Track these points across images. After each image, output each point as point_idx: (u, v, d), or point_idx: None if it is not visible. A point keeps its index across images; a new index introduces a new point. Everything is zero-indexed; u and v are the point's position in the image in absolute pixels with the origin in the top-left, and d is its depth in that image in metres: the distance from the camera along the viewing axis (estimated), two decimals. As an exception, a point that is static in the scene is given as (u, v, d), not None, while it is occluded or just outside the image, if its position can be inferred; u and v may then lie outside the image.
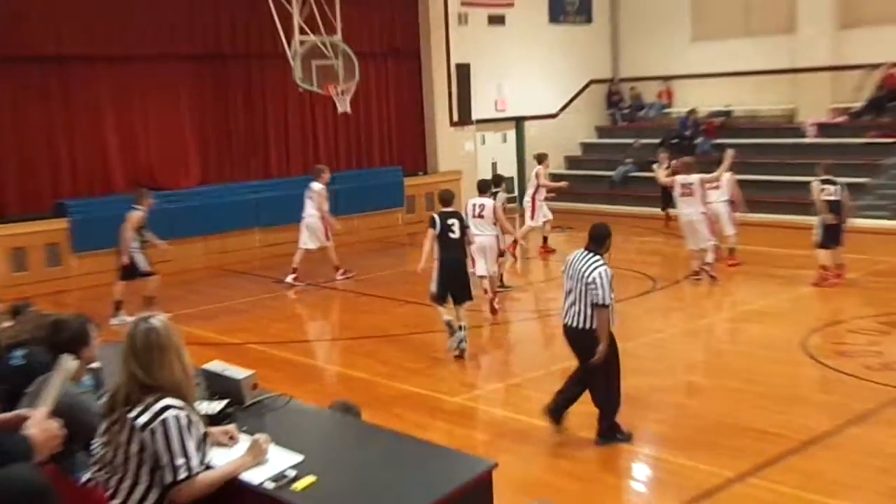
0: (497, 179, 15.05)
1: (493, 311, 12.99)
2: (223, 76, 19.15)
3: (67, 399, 4.36)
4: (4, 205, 16.54)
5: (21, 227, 16.21)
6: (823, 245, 13.73)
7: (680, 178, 14.63)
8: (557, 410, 8.20)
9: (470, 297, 11.09)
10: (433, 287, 10.91)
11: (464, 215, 11.88)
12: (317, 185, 15.60)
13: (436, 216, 10.93)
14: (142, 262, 13.30)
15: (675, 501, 6.85)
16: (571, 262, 8.00)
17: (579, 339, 7.96)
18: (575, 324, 7.92)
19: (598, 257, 7.88)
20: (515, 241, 15.47)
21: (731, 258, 15.32)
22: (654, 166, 17.72)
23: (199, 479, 4.21)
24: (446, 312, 10.95)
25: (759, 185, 20.77)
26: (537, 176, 17.18)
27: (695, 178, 14.57)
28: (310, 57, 17.19)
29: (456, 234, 10.85)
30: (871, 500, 6.87)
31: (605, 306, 7.71)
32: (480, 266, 12.72)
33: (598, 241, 7.97)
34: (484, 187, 13.66)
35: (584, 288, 7.78)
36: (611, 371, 8.03)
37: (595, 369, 7.92)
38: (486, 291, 12.91)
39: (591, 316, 7.79)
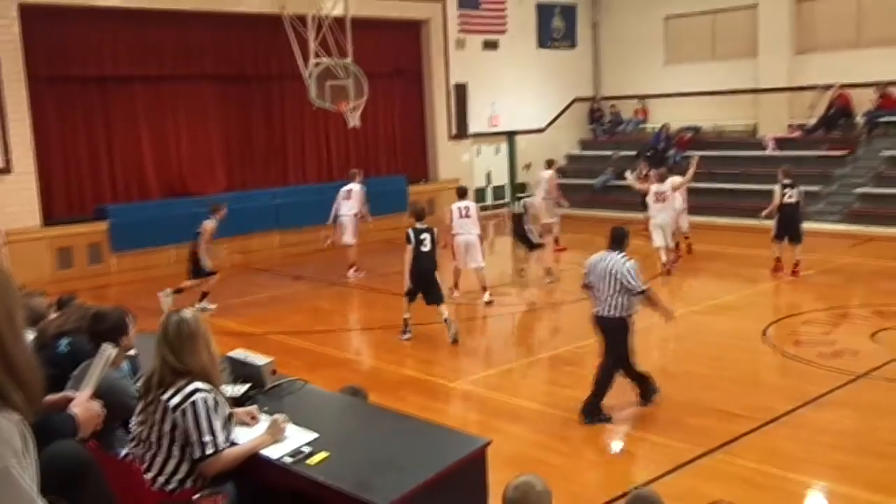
0: (463, 190, 14.42)
1: (488, 302, 13.13)
2: (246, 94, 19.14)
3: (107, 383, 4.35)
4: (52, 208, 16.54)
5: (66, 229, 16.21)
6: (778, 237, 14.10)
7: (654, 187, 14.79)
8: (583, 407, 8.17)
9: (441, 300, 11.23)
10: (406, 286, 11.17)
11: (453, 214, 13.01)
12: (357, 186, 15.53)
13: (410, 232, 11.13)
14: (207, 263, 13.35)
15: (651, 475, 6.84)
16: (596, 262, 8.17)
17: (608, 325, 8.13)
18: (605, 313, 8.09)
19: (623, 255, 8.13)
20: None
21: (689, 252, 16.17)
22: (627, 173, 17.67)
23: (224, 454, 4.21)
24: (407, 311, 11.20)
25: (723, 192, 20.83)
26: (550, 180, 17.25)
27: (667, 185, 14.87)
28: (324, 77, 17.20)
29: (427, 248, 11.08)
30: (822, 473, 6.88)
31: (643, 292, 8.05)
32: (471, 261, 13.16)
33: (619, 241, 8.23)
34: (462, 193, 14.00)
35: (614, 282, 7.97)
36: (621, 359, 8.16)
37: (613, 350, 8.13)
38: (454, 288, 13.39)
39: (621, 305, 8.01)
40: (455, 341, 10.94)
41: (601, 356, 8.25)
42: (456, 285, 13.64)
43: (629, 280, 7.95)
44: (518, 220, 14.51)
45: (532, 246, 14.52)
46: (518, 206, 14.67)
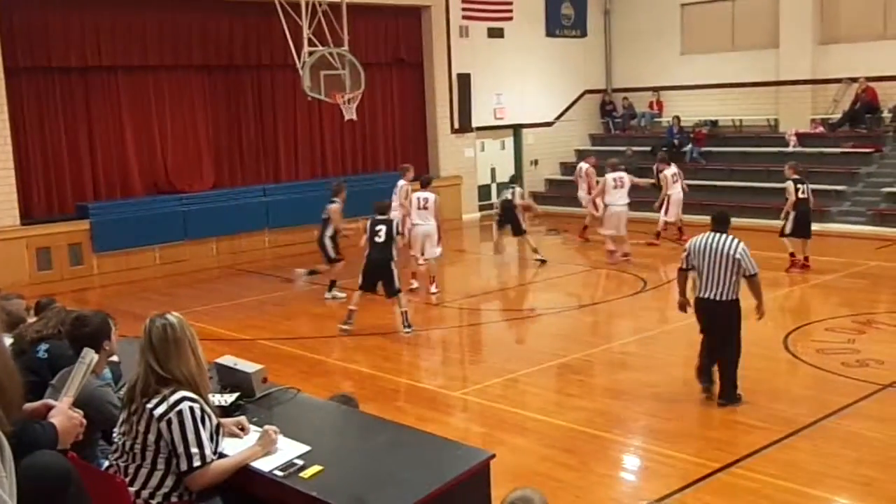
0: (427, 180, 15.32)
1: (434, 291, 14.15)
2: (236, 85, 19.17)
3: (88, 390, 4.37)
4: (30, 206, 16.57)
5: (46, 229, 16.24)
6: (794, 234, 14.72)
7: (612, 174, 16.52)
8: (709, 378, 8.73)
9: (396, 292, 11.77)
10: (360, 278, 11.88)
11: (412, 205, 14.26)
12: (402, 182, 15.60)
13: (367, 223, 11.96)
14: (331, 250, 13.94)
15: (664, 490, 6.86)
16: (703, 245, 8.44)
17: (718, 309, 8.43)
18: (716, 297, 8.38)
19: (732, 237, 8.45)
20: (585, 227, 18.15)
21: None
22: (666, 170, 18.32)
23: (212, 467, 4.23)
24: (354, 304, 11.96)
25: (743, 191, 20.83)
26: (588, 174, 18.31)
27: (624, 174, 16.73)
28: (318, 67, 17.20)
29: (381, 238, 11.69)
30: (845, 488, 6.89)
31: (755, 274, 8.37)
32: (428, 250, 14.24)
33: (725, 223, 8.59)
34: (426, 183, 14.89)
35: (731, 264, 8.29)
36: (739, 338, 8.57)
37: (731, 337, 8.48)
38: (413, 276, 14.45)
39: (731, 289, 8.34)
40: (408, 330, 11.72)
41: (715, 341, 8.58)
42: (414, 276, 14.52)
43: (747, 261, 8.29)
44: (508, 207, 15.74)
45: (520, 232, 16.00)
46: (508, 193, 15.82)
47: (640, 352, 10.78)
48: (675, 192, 17.86)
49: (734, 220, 16.86)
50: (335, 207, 13.92)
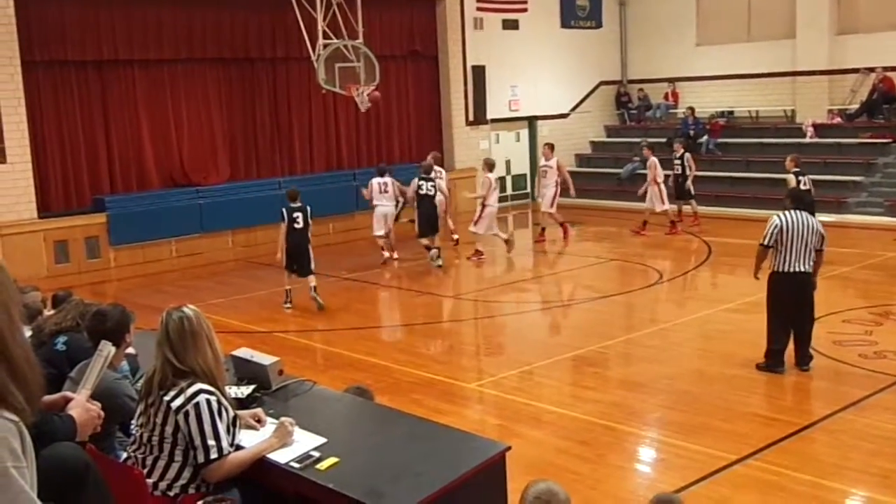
0: (382, 170, 16.85)
1: (389, 259, 16.22)
2: (251, 78, 19.19)
3: (106, 383, 4.40)
4: (48, 200, 16.65)
5: (63, 222, 16.31)
6: None
7: (541, 163, 17.70)
8: (804, 359, 9.24)
9: (310, 272, 13.03)
10: (283, 261, 13.06)
11: (373, 189, 16.12)
12: (442, 171, 16.80)
13: (284, 211, 13.07)
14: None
15: (681, 482, 6.85)
16: (794, 221, 9.00)
17: (807, 280, 9.12)
18: (806, 268, 9.04)
19: (810, 214, 9.26)
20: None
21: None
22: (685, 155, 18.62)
23: (229, 459, 4.25)
24: (289, 283, 13.22)
25: (760, 182, 20.74)
26: (559, 167, 17.53)
27: (553, 161, 17.72)
28: (333, 60, 17.20)
29: (300, 224, 12.98)
30: (862, 481, 6.87)
31: (824, 249, 9.22)
32: (379, 228, 16.11)
33: (801, 200, 9.49)
34: (382, 171, 16.61)
35: (817, 239, 9.06)
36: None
37: (812, 303, 9.21)
38: (383, 248, 16.35)
39: (812, 261, 9.10)
40: (321, 308, 12.83)
41: (796, 314, 9.12)
42: (389, 249, 16.32)
43: (824, 234, 9.12)
44: (427, 202, 15.84)
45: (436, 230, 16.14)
46: (427, 187, 15.87)
47: (655, 344, 10.75)
48: (547, 182, 18.14)
49: (749, 212, 16.99)
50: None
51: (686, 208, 18.63)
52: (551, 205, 17.66)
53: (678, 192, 18.49)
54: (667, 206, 18.03)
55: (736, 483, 6.86)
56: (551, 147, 18.16)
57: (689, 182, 18.37)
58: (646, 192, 18.28)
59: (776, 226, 9.03)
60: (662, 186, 18.09)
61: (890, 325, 11.09)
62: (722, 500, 6.48)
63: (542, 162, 18.35)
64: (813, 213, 13.54)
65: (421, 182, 15.61)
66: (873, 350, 9.96)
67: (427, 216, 15.54)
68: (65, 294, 7.16)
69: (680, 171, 18.42)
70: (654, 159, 18.29)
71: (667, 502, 4.26)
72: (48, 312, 6.42)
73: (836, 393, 8.75)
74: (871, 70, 20.71)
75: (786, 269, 9.01)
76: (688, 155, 18.59)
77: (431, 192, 15.52)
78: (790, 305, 9.09)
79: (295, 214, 13.10)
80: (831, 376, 9.44)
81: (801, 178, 14.78)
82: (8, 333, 2.14)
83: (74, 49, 16.56)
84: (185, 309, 4.42)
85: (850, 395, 8.56)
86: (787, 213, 9.12)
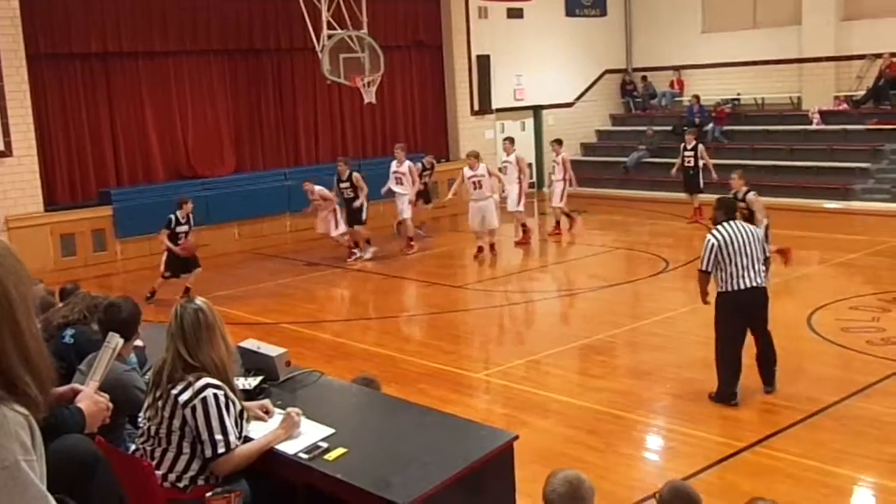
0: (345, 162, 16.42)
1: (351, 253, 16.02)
2: (256, 70, 19.18)
3: (114, 375, 4.40)
4: (54, 193, 16.67)
5: (69, 215, 16.33)
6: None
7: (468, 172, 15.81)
8: (771, 380, 8.40)
9: (194, 271, 13.41)
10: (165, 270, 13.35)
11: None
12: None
13: (171, 217, 13.24)
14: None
15: (689, 470, 6.85)
16: (733, 234, 8.09)
17: (765, 295, 8.22)
18: (759, 283, 8.11)
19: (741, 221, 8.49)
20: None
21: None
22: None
23: (236, 452, 4.25)
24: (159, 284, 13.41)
25: (766, 169, 20.69)
26: (564, 162, 17.36)
27: (560, 157, 17.43)
28: (337, 50, 17.19)
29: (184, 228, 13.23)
30: (870, 467, 6.86)
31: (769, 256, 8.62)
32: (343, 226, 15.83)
33: (734, 210, 8.54)
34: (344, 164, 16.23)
35: (762, 248, 8.24)
36: None
37: (767, 319, 8.31)
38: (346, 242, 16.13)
39: (763, 272, 8.24)
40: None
41: (756, 333, 8.28)
42: (363, 243, 16.10)
43: (766, 245, 8.44)
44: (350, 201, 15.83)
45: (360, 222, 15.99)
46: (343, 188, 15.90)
47: (662, 332, 10.75)
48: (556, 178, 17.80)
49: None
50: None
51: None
52: (560, 199, 17.54)
53: (688, 186, 18.31)
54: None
55: (744, 470, 6.87)
56: (560, 143, 18.02)
57: (701, 175, 18.01)
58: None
59: (713, 246, 8.04)
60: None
61: (897, 312, 11.07)
62: (730, 486, 6.48)
63: (551, 157, 18.16)
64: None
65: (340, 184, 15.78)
66: (881, 336, 9.95)
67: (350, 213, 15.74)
68: (72, 287, 7.19)
69: (692, 164, 18.10)
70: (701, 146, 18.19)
71: (679, 489, 4.26)
72: (57, 305, 6.43)
73: (843, 379, 8.75)
74: (878, 56, 20.63)
75: (735, 287, 8.01)
76: (701, 147, 18.30)
77: (351, 195, 15.66)
78: (744, 327, 8.16)
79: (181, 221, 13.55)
80: (838, 363, 9.45)
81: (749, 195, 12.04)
82: (25, 326, 2.15)
83: (79, 41, 16.55)
84: (198, 301, 4.42)
85: (857, 382, 8.56)
86: (721, 227, 8.15)
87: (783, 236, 15.92)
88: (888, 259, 14.15)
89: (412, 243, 16.48)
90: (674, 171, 18.63)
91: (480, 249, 15.56)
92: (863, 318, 10.75)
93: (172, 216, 13.35)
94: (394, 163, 16.85)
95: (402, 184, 16.76)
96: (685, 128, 22.22)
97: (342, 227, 15.92)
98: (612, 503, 6.23)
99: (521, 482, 4.35)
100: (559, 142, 18.06)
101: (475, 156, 15.84)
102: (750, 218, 11.26)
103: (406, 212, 16.60)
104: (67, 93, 16.72)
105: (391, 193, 16.83)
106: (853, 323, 10.56)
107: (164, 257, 13.49)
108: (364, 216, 15.89)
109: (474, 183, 15.50)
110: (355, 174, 15.94)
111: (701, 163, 18.02)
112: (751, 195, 11.92)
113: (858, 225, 16.32)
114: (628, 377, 9.29)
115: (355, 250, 16.09)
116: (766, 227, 11.42)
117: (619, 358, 10.18)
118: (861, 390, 8.37)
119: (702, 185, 18.14)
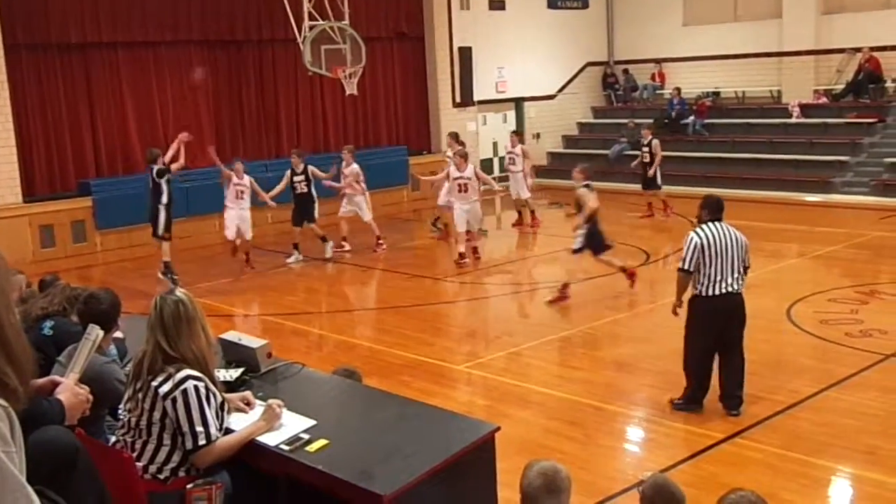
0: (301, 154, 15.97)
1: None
2: (237, 60, 19.11)
3: (94, 367, 4.38)
4: (33, 184, 16.55)
5: (48, 206, 16.23)
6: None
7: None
8: (734, 401, 7.82)
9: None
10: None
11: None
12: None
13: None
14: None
15: (669, 461, 6.89)
16: (717, 236, 7.70)
17: (739, 303, 7.80)
18: (736, 288, 7.74)
19: (726, 223, 7.88)
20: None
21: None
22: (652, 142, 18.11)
23: (217, 444, 4.24)
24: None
25: (746, 162, 20.81)
26: (524, 154, 17.34)
27: (518, 148, 17.22)
28: (319, 42, 17.10)
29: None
30: (848, 458, 6.93)
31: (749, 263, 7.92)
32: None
33: (721, 210, 7.94)
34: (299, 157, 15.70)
35: (745, 253, 7.80)
36: None
37: (743, 331, 7.87)
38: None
39: (742, 278, 7.81)
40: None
41: (729, 344, 7.81)
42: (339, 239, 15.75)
43: (749, 248, 7.87)
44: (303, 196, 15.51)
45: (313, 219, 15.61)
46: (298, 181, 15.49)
47: (642, 324, 10.80)
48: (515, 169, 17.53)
49: (738, 192, 16.85)
50: None
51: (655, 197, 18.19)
52: (528, 189, 17.45)
53: (643, 182, 18.24)
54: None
55: (723, 461, 6.92)
56: (518, 134, 18.08)
57: (652, 170, 17.84)
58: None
59: (696, 245, 7.67)
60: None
61: (875, 304, 11.16)
62: (710, 477, 6.52)
63: (508, 149, 17.91)
64: (600, 250, 12.03)
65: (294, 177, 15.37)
66: (859, 329, 10.02)
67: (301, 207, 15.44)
68: (51, 278, 7.13)
69: (648, 160, 17.97)
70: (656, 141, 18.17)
71: (661, 485, 4.26)
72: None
73: (822, 371, 8.82)
74: (857, 50, 20.75)
75: (712, 292, 7.67)
76: (656, 142, 18.11)
77: (305, 190, 15.33)
78: (717, 336, 7.80)
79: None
80: (817, 355, 9.51)
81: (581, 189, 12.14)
82: (4, 317, 2.13)
83: (58, 31, 16.42)
84: (179, 293, 4.41)
85: (836, 374, 8.63)
86: (706, 227, 7.80)
87: (764, 229, 16.02)
88: (867, 252, 14.26)
89: (380, 241, 16.12)
90: (634, 163, 18.68)
91: (462, 256, 14.48)
92: (841, 311, 10.82)
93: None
94: (343, 164, 15.99)
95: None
96: (666, 121, 22.36)
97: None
98: (591, 494, 6.26)
99: (502, 473, 4.36)
100: (517, 134, 18.09)
101: (463, 156, 14.95)
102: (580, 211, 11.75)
103: (367, 214, 16.02)
104: (46, 83, 16.58)
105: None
106: (832, 315, 10.64)
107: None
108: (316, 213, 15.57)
109: (460, 185, 14.57)
110: (311, 167, 15.54)
111: (657, 158, 17.90)
112: (582, 190, 11.95)
113: (837, 218, 16.42)
114: (608, 369, 9.33)
115: (293, 252, 15.50)
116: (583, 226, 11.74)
117: (599, 350, 10.21)
118: (839, 382, 8.43)
119: (659, 181, 18.08)
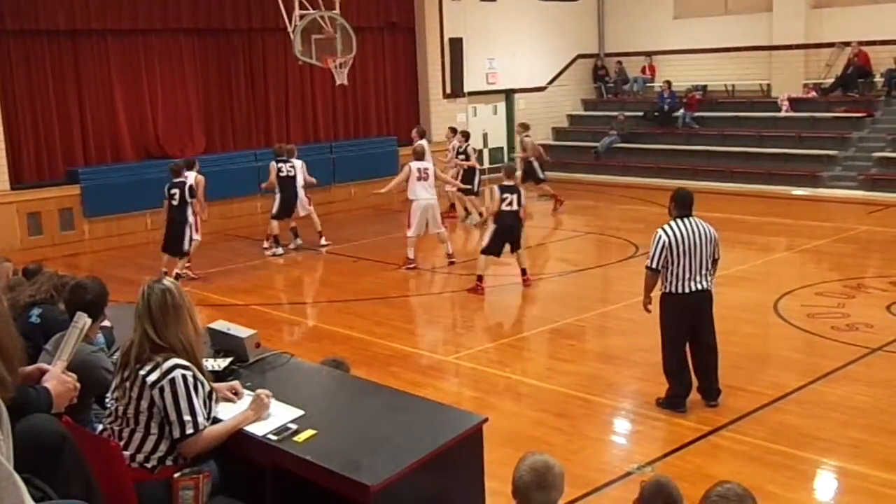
0: (290, 150, 15.75)
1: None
2: (226, 49, 19.03)
3: (82, 356, 4.37)
4: (20, 171, 16.47)
5: (36, 193, 16.15)
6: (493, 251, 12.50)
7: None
8: (712, 393, 7.83)
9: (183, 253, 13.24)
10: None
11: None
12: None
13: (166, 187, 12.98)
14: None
15: (655, 453, 6.92)
16: (687, 232, 7.58)
17: (707, 300, 7.73)
18: (705, 286, 7.66)
19: (697, 218, 7.73)
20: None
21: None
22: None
23: (205, 433, 4.23)
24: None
25: (735, 155, 20.86)
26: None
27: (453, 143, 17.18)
28: (309, 31, 17.03)
29: (176, 201, 12.92)
30: (834, 450, 6.97)
31: (719, 258, 7.85)
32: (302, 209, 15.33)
33: (692, 205, 7.79)
34: (290, 153, 15.52)
35: (715, 249, 7.72)
36: None
37: (713, 326, 7.84)
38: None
39: (710, 275, 7.74)
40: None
41: (701, 339, 7.79)
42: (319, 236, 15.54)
43: (719, 243, 7.80)
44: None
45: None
46: (287, 168, 15.43)
47: (631, 317, 10.78)
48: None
49: (727, 185, 16.87)
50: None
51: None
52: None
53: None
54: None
55: (710, 453, 6.95)
56: (455, 131, 18.21)
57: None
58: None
59: (664, 243, 7.54)
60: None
61: (862, 298, 11.21)
62: (696, 470, 6.54)
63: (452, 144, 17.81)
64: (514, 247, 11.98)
65: (280, 164, 15.26)
66: (845, 322, 10.07)
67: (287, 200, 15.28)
68: (36, 266, 7.10)
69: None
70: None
71: (662, 488, 4.24)
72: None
73: (808, 364, 8.86)
74: (847, 44, 20.80)
75: (680, 290, 7.60)
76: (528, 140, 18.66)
77: (292, 174, 15.23)
78: (691, 332, 7.77)
79: (172, 190, 13.01)
80: (804, 348, 9.55)
81: (508, 195, 11.97)
82: None
83: (47, 18, 16.32)
84: (166, 282, 4.39)
85: (822, 367, 8.67)
86: (674, 223, 7.64)
87: (752, 222, 16.07)
88: (854, 246, 14.32)
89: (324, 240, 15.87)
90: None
91: (410, 260, 13.84)
92: (828, 304, 10.87)
93: None
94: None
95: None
96: (656, 113, 22.41)
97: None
98: (579, 486, 6.28)
99: (490, 464, 4.37)
100: (456, 131, 18.21)
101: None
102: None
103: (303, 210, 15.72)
104: (34, 70, 16.49)
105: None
106: (819, 309, 10.68)
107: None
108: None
109: (420, 172, 14.14)
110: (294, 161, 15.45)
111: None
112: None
113: (825, 212, 16.47)
114: (597, 361, 9.35)
115: (265, 243, 15.48)
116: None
117: (588, 342, 10.24)
118: (826, 375, 8.47)
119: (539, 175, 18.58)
